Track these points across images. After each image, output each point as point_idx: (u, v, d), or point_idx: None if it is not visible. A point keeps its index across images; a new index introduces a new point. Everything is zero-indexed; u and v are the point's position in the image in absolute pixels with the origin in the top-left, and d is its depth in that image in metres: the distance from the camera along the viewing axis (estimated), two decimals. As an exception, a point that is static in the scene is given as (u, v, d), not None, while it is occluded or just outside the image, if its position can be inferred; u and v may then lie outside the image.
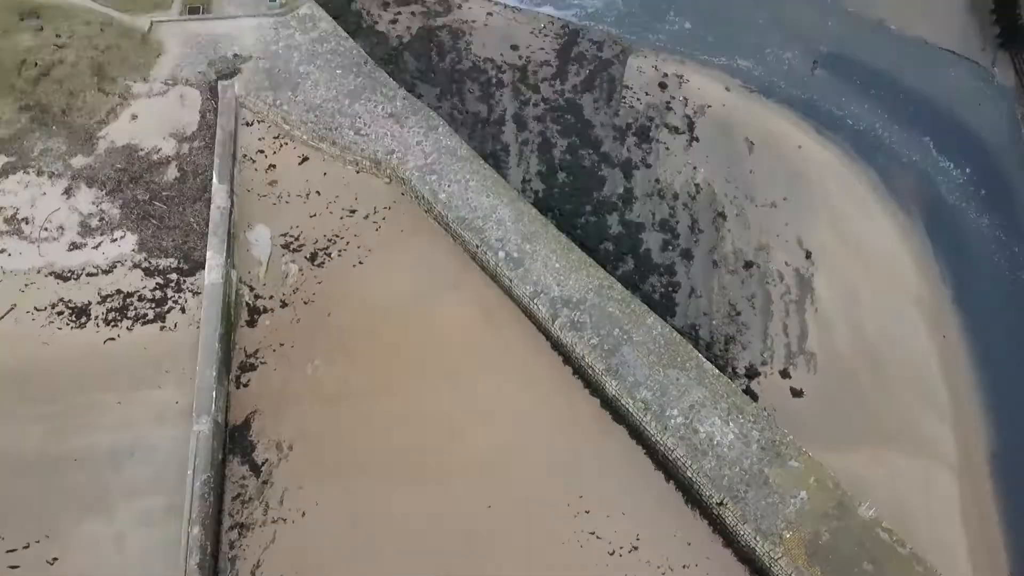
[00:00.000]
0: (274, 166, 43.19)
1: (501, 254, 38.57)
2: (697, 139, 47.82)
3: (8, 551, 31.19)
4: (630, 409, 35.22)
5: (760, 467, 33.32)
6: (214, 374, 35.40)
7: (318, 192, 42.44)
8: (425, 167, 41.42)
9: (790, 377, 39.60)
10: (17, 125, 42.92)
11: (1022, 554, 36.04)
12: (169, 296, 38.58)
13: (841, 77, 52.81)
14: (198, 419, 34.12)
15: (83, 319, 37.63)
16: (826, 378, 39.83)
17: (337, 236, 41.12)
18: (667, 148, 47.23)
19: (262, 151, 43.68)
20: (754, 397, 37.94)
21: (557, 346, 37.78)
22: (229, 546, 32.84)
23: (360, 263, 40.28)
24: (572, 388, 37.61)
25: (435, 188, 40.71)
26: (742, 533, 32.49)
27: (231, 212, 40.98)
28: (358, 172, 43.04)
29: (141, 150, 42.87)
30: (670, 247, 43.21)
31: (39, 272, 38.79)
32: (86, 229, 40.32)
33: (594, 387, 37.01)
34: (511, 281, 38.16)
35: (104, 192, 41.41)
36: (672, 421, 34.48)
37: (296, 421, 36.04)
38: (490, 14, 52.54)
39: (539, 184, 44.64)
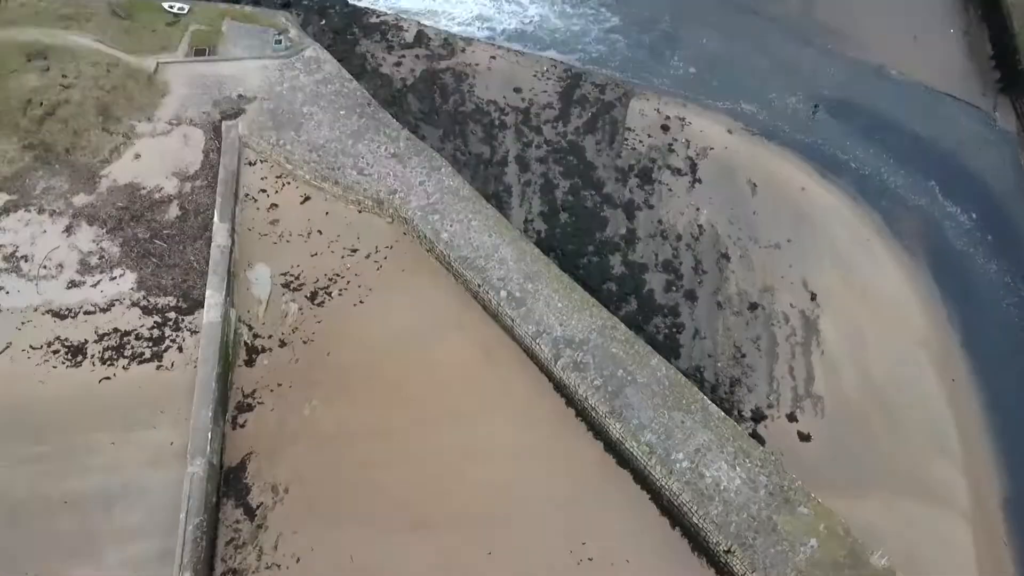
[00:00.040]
0: (276, 205, 43.08)
1: (503, 293, 38.18)
2: (700, 181, 47.80)
3: (-7, 597, 30.31)
4: (634, 453, 34.43)
5: (768, 513, 32.40)
6: (210, 414, 34.73)
7: (320, 231, 42.24)
8: (428, 207, 41.29)
9: (797, 421, 38.86)
10: (20, 164, 42.94)
11: (1040, 605, 35.00)
12: (167, 335, 38.11)
13: (843, 121, 53.08)
14: (192, 461, 33.35)
15: (79, 358, 37.10)
16: (834, 422, 39.09)
17: (338, 275, 40.79)
18: (670, 189, 47.18)
19: (264, 190, 43.62)
20: (761, 441, 37.16)
21: (560, 387, 37.14)
22: (221, 593, 31.88)
23: (361, 302, 39.88)
24: (575, 431, 36.87)
25: (437, 227, 40.51)
26: (751, 582, 31.49)
27: (232, 251, 40.71)
28: (360, 212, 42.91)
29: (143, 189, 42.82)
30: (674, 288, 42.84)
31: (36, 310, 38.38)
32: (85, 267, 40.02)
33: (597, 430, 36.27)
34: (513, 321, 37.69)
35: (105, 230, 41.23)
36: (677, 465, 33.66)
37: (292, 463, 35.24)
38: (493, 57, 53.03)
39: (541, 224, 44.48)
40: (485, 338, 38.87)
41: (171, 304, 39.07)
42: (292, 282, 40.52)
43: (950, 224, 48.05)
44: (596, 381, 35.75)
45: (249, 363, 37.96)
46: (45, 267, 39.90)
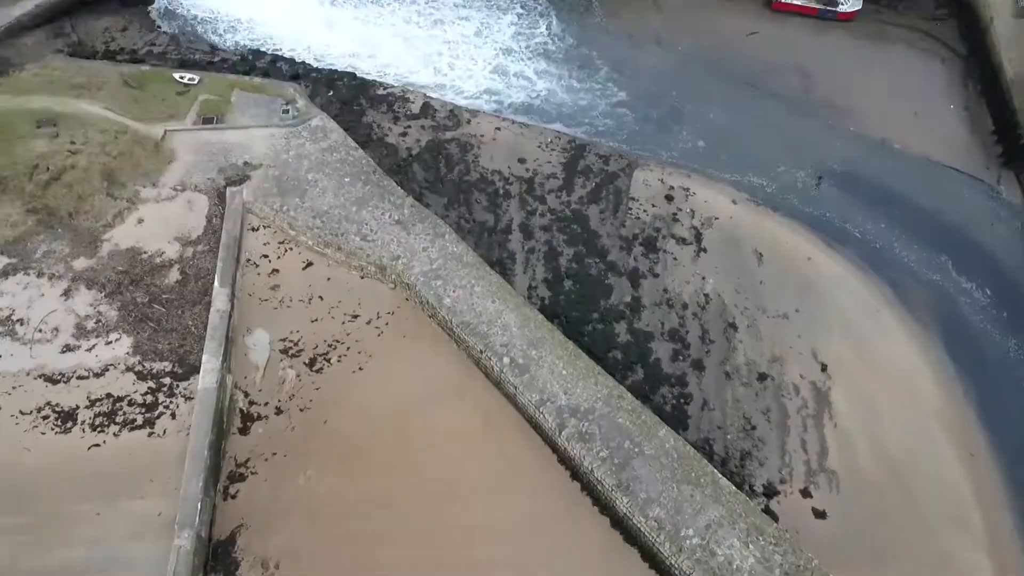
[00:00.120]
0: (277, 270, 42.69)
1: (506, 360, 37.30)
2: (705, 250, 47.43)
3: None
4: (642, 528, 32.90)
5: (785, 594, 30.70)
6: (200, 484, 33.48)
7: (321, 297, 41.69)
8: (430, 272, 40.83)
9: (811, 497, 37.31)
10: (23, 227, 42.83)
11: None
12: (160, 401, 37.14)
13: (848, 193, 53.02)
14: (180, 533, 31.97)
15: (69, 424, 36.10)
16: (850, 498, 37.51)
17: (338, 341, 40.02)
18: (675, 258, 46.75)
19: (266, 256, 43.31)
20: (774, 517, 35.53)
21: (564, 459, 35.84)
22: (203, 677, 29.97)
23: (360, 369, 38.98)
24: (580, 505, 35.40)
25: (440, 293, 39.95)
26: (768, 670, 29.55)
27: (231, 316, 40.12)
28: (363, 277, 42.45)
29: (144, 253, 42.56)
30: (680, 357, 41.89)
31: (28, 374, 37.58)
32: (81, 331, 39.38)
33: (603, 504, 34.80)
34: (516, 388, 36.69)
35: (103, 294, 40.77)
36: (688, 542, 32.09)
37: (285, 537, 33.73)
38: (498, 128, 53.52)
39: (545, 291, 43.90)
40: (487, 406, 37.80)
41: (166, 369, 38.24)
42: (291, 348, 39.74)
43: (966, 300, 47.14)
44: (602, 452, 34.51)
45: (243, 431, 36.86)
46: (40, 331, 39.28)
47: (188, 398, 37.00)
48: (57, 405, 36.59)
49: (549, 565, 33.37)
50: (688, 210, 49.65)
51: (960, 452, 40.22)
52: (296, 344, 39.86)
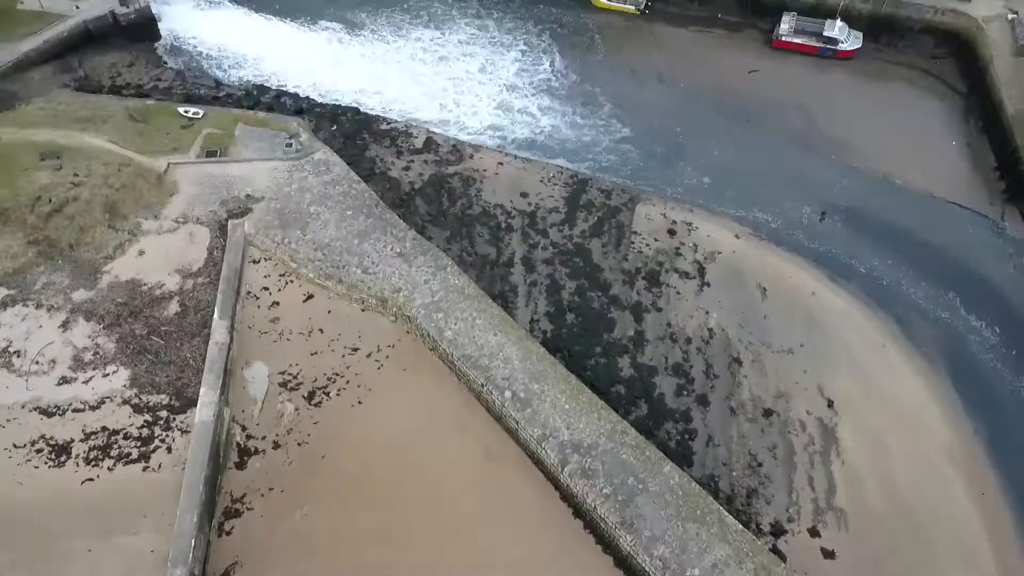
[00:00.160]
0: (278, 303, 42.41)
1: (507, 394, 36.77)
2: (708, 284, 47.11)
3: None
4: (647, 568, 32.03)
5: (794, 637, 29.75)
6: (195, 520, 32.73)
7: (321, 330, 41.33)
8: (432, 305, 40.52)
9: (820, 536, 36.42)
10: (23, 259, 42.71)
11: None
12: (156, 434, 36.56)
13: (851, 228, 52.85)
14: (173, 570, 31.19)
15: (63, 457, 35.52)
16: (859, 537, 36.60)
17: (337, 375, 39.55)
18: (678, 292, 46.43)
19: (267, 288, 43.06)
20: (782, 557, 34.63)
21: (567, 495, 35.08)
22: None
23: (359, 402, 38.44)
24: (582, 543, 34.54)
25: (441, 326, 39.57)
26: None
27: (230, 348, 39.73)
28: (363, 310, 42.12)
29: (144, 285, 42.33)
30: (685, 392, 41.31)
31: (23, 407, 37.09)
32: (78, 363, 38.96)
33: (606, 542, 33.95)
34: (517, 423, 36.09)
35: (102, 326, 40.44)
36: (693, 582, 31.23)
37: (281, 575, 32.88)
38: (501, 163, 53.65)
39: (547, 324, 43.50)
40: (488, 441, 37.18)
41: (163, 402, 37.75)
42: (290, 381, 39.28)
43: (975, 339, 46.52)
44: (605, 489, 33.81)
45: (240, 465, 36.23)
46: (37, 363, 38.89)
47: (184, 431, 36.43)
48: (51, 438, 36.06)
49: (551, 606, 32.51)
50: (691, 244, 49.44)
51: (971, 490, 39.39)
52: (295, 377, 39.40)
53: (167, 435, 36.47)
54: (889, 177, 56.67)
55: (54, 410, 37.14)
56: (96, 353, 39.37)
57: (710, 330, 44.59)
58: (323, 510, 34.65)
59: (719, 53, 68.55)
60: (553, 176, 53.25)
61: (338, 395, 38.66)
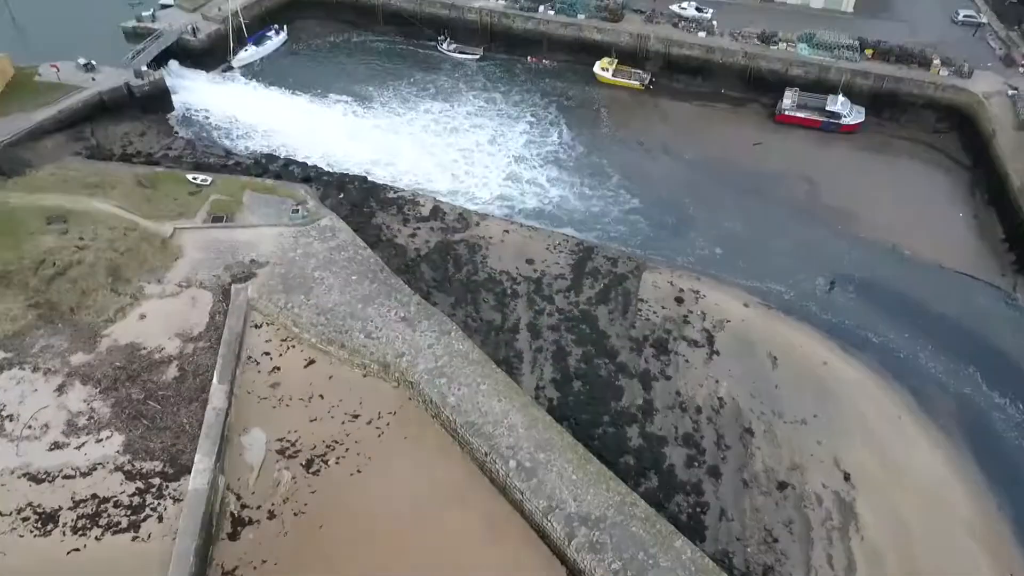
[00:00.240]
0: (279, 368, 41.58)
1: (512, 463, 35.47)
2: (718, 352, 46.21)
3: None
4: (659, 649, 30.19)
5: None
6: (183, 593, 31.16)
7: (321, 396, 40.36)
8: (435, 370, 39.62)
9: (841, 616, 34.51)
10: (23, 322, 42.22)
11: None
12: (148, 502, 35.16)
13: (861, 298, 52.23)
14: (157, 647, 29.48)
15: (49, 526, 34.05)
16: (882, 619, 34.67)
17: (337, 442, 38.35)
18: (687, 361, 45.48)
19: (268, 353, 42.31)
20: (802, 639, 32.71)
21: (574, 571, 33.29)
22: None
23: (359, 471, 37.12)
24: (591, 623, 32.72)
25: (444, 392, 38.58)
26: None
27: (227, 414, 38.69)
28: (365, 376, 41.24)
29: (144, 349, 41.64)
30: (696, 463, 39.89)
31: (12, 473, 35.84)
32: (72, 428, 37.91)
33: (616, 622, 32.11)
34: (522, 494, 34.66)
35: (98, 390, 39.57)
36: (709, 665, 29.32)
37: (270, 655, 31.13)
38: (507, 231, 53.63)
39: (553, 392, 42.44)
40: (491, 513, 35.62)
41: (157, 469, 36.49)
42: (288, 448, 38.07)
43: (999, 416, 45.09)
44: (615, 564, 32.13)
45: (233, 536, 34.68)
46: (30, 427, 37.86)
47: (177, 500, 35.05)
48: (39, 506, 34.68)
49: None
50: (699, 312, 48.78)
51: (997, 569, 37.43)
52: (293, 444, 38.21)
53: (159, 503, 35.08)
54: (897, 248, 56.38)
55: (43, 476, 35.89)
56: (91, 418, 38.39)
57: (720, 399, 43.46)
58: (318, 584, 32.98)
59: (723, 127, 69.56)
60: (559, 244, 53.10)
61: (337, 463, 37.40)
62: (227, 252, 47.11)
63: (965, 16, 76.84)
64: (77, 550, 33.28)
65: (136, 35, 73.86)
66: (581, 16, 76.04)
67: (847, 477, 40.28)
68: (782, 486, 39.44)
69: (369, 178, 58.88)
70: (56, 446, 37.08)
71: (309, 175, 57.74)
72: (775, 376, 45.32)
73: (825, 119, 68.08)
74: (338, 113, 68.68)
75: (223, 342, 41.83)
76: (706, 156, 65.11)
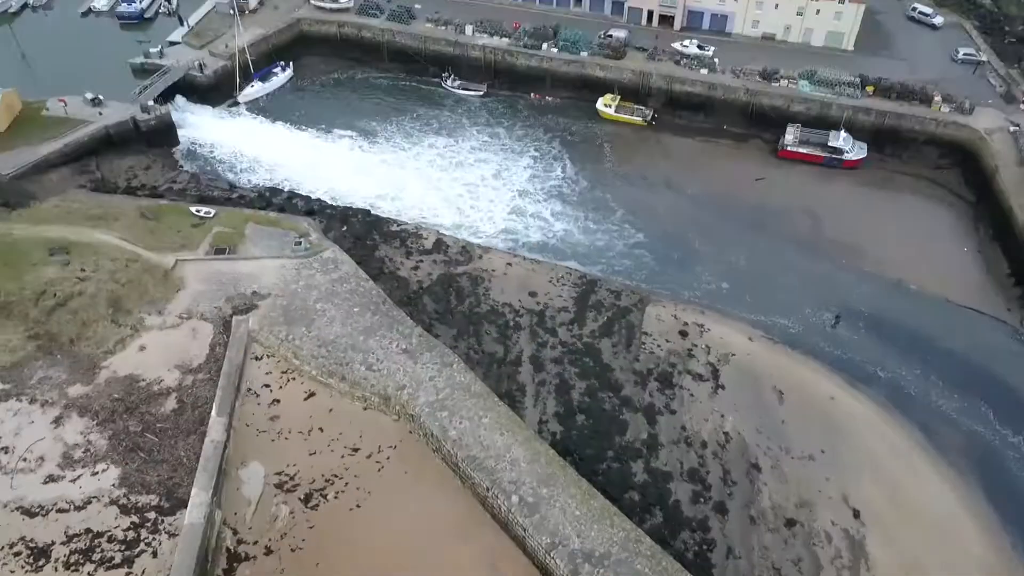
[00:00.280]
0: (278, 401, 41.07)
1: (514, 498, 34.75)
2: (723, 387, 45.65)
3: None
4: None
5: None
6: (176, 631, 30.34)
7: (321, 429, 39.78)
8: (436, 403, 39.09)
9: (853, 659, 33.49)
10: (21, 353, 41.89)
11: None
12: (142, 537, 34.43)
13: (868, 333, 51.85)
14: None
15: (41, 561, 33.33)
16: (897, 662, 33.64)
17: (336, 476, 37.69)
18: (691, 394, 44.93)
19: (268, 385, 41.84)
20: None
21: (577, 610, 32.50)
22: None
23: (358, 506, 36.39)
24: (595, 665, 31.76)
25: (445, 425, 37.99)
26: None
27: (225, 447, 38.09)
28: (365, 409, 40.69)
29: (143, 381, 41.21)
30: (702, 499, 39.12)
31: (5, 507, 35.20)
32: (67, 460, 37.34)
33: (621, 664, 31.17)
34: (525, 530, 33.89)
35: (95, 422, 39.06)
36: None
37: None
38: (509, 264, 53.46)
39: (557, 426, 41.82)
40: (493, 550, 34.83)
41: (152, 503, 35.83)
42: (286, 482, 37.42)
43: (1013, 454, 44.41)
44: (619, 602, 31.28)
45: (229, 572, 33.94)
46: (25, 459, 37.31)
47: (172, 534, 34.33)
48: (31, 541, 34.00)
49: None
50: (703, 346, 48.32)
51: (1015, 612, 36.47)
52: (292, 478, 37.57)
53: (153, 538, 34.40)
54: (903, 282, 56.07)
55: (37, 510, 35.27)
56: (87, 450, 37.85)
57: (726, 434, 42.81)
58: (315, 623, 32.12)
59: (726, 162, 69.71)
60: (562, 276, 52.88)
61: (336, 498, 36.72)
62: (229, 284, 46.90)
63: (965, 54, 77.37)
64: (69, 586, 32.58)
65: (144, 71, 74.60)
66: (584, 54, 76.73)
67: (856, 514, 39.51)
68: (790, 523, 38.65)
69: (373, 211, 58.89)
70: (51, 479, 36.51)
71: (313, 208, 57.81)
72: (781, 411, 44.72)
73: (827, 155, 68.21)
74: (344, 148, 69.06)
75: (223, 374, 41.41)
76: (709, 191, 65.15)
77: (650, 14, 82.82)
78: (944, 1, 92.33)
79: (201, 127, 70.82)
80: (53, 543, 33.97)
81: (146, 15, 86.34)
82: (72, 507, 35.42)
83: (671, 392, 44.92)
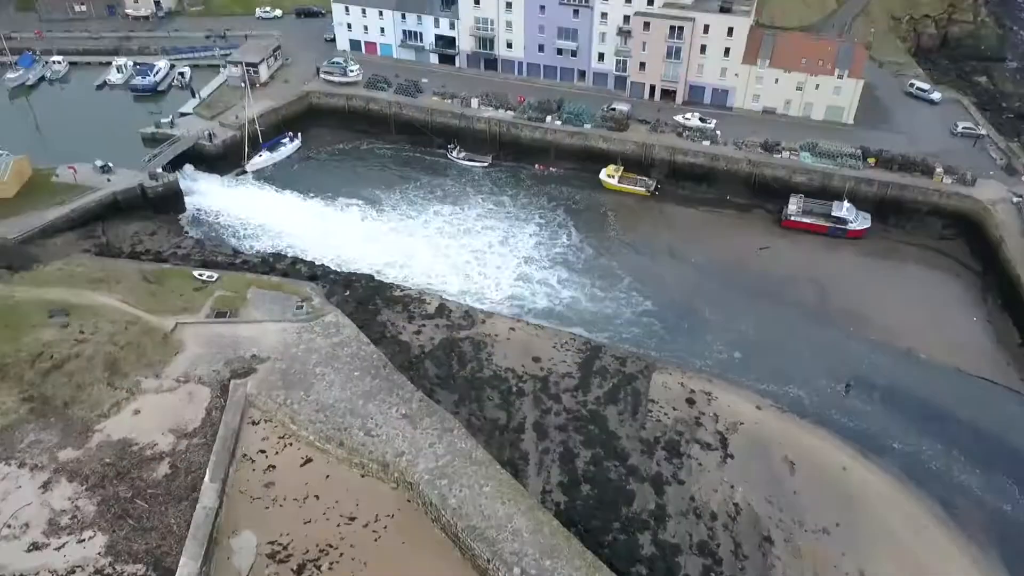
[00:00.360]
0: (274, 467, 39.85)
1: (516, 570, 33.20)
2: (732, 456, 44.35)
3: None
4: None
5: None
6: None
7: (317, 496, 38.44)
8: (436, 470, 37.85)
9: None
10: (13, 416, 40.99)
11: None
12: (126, 610, 32.98)
13: (879, 402, 50.88)
14: None
15: (20, 634, 31.85)
16: None
17: (331, 546, 36.16)
18: (700, 464, 43.58)
19: (264, 451, 40.68)
20: None
21: None
22: None
23: (353, 579, 34.88)
24: None
25: (445, 493, 36.68)
26: None
27: (217, 514, 36.76)
28: (363, 476, 39.42)
29: (135, 445, 40.14)
30: (712, 574, 37.41)
31: (-15, 577, 33.90)
32: (53, 527, 36.00)
33: None
34: (527, 604, 32.33)
35: (84, 487, 37.86)
36: None
37: None
38: (512, 328, 52.86)
39: (561, 495, 40.42)
40: (494, 625, 33.14)
41: (139, 573, 34.33)
42: (279, 552, 35.89)
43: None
44: None
45: (215, 648, 32.23)
46: (10, 526, 35.99)
47: (158, 607, 32.82)
48: (11, 612, 32.52)
49: None
50: (711, 414, 47.19)
51: None
52: (285, 548, 36.06)
53: (138, 611, 32.79)
54: (913, 351, 55.24)
55: (19, 580, 33.79)
56: (74, 517, 36.58)
57: (736, 505, 41.32)
58: None
59: (730, 231, 69.81)
60: (565, 342, 52.19)
61: (331, 569, 35.19)
62: (228, 347, 46.28)
63: (964, 128, 78.33)
64: (46, 662, 30.90)
65: (155, 140, 75.95)
66: (588, 126, 77.95)
67: (875, 592, 37.73)
68: (806, 601, 36.87)
69: (378, 277, 58.72)
70: (35, 547, 35.12)
71: (316, 273, 57.71)
72: (793, 481, 43.29)
73: (831, 224, 68.32)
74: (353, 216, 69.54)
75: (218, 438, 40.38)
76: (715, 260, 65.06)
77: (652, 88, 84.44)
78: (941, 78, 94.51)
79: (208, 195, 71.53)
80: (33, 615, 32.49)
81: (159, 88, 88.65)
82: (55, 577, 34.03)
83: (679, 461, 43.60)
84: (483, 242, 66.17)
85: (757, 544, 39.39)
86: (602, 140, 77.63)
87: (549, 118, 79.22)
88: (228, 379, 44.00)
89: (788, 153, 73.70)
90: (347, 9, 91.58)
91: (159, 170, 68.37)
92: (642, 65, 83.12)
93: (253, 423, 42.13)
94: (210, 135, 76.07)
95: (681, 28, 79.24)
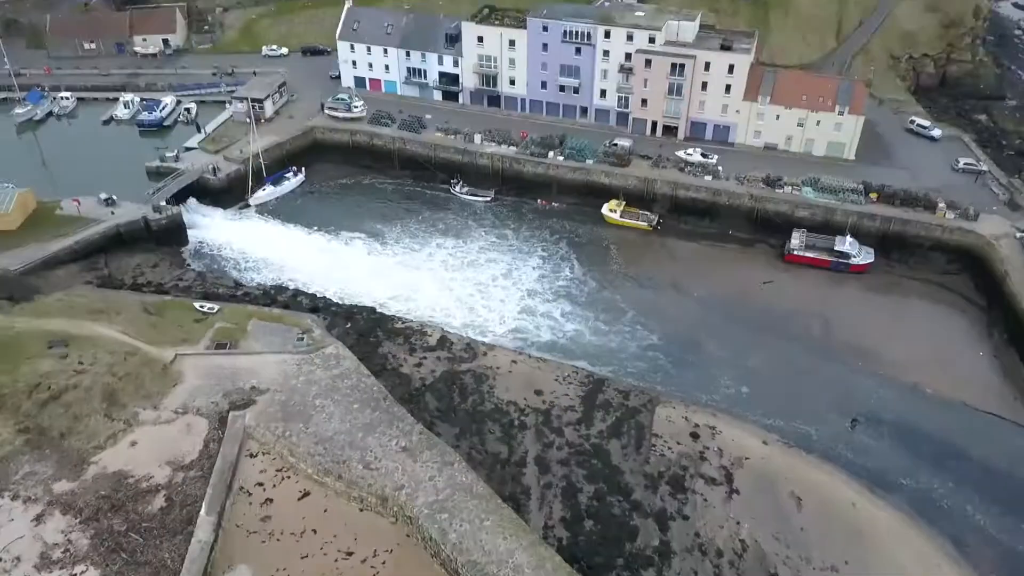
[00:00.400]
0: (271, 500, 39.14)
1: (518, 607, 32.41)
2: (737, 491, 43.61)
3: None
4: None
5: None
6: None
7: (314, 530, 37.66)
8: (436, 504, 37.14)
9: None
10: (8, 447, 40.42)
11: None
12: (113, 650, 32.10)
13: (887, 437, 50.37)
14: None
15: (6, 673, 30.98)
16: None
17: (328, 582, 35.44)
18: (705, 499, 42.84)
19: (261, 484, 40.00)
20: None
21: None
22: None
23: (350, 615, 34.03)
24: None
25: (445, 528, 35.93)
26: None
27: (212, 548, 35.98)
28: (362, 510, 38.68)
29: (131, 477, 39.50)
30: (719, 612, 36.55)
31: (-26, 611, 33.13)
32: (45, 561, 35.22)
33: None
34: (529, 643, 31.43)
35: (78, 520, 37.13)
36: None
37: None
38: (515, 361, 52.48)
39: (563, 531, 39.64)
40: (494, 665, 32.19)
41: (130, 609, 33.59)
42: (275, 588, 35.12)
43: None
44: None
45: None
46: (1, 559, 35.23)
47: (149, 644, 31.96)
48: (-2, 650, 31.67)
49: None
50: (716, 448, 46.53)
51: None
52: (281, 584, 35.29)
53: (129, 648, 31.92)
54: (919, 386, 54.70)
55: (7, 617, 32.99)
56: (66, 550, 35.80)
57: (742, 542, 40.50)
58: None
59: (733, 266, 69.68)
60: (568, 375, 51.74)
61: (327, 606, 34.31)
62: (228, 378, 45.86)
63: (965, 164, 78.56)
64: None
65: (159, 174, 76.44)
66: (590, 161, 78.36)
67: (887, 632, 36.71)
68: (816, 641, 35.87)
69: (380, 310, 58.51)
70: (25, 583, 34.44)
71: (317, 305, 57.55)
72: (800, 518, 42.49)
73: (834, 259, 68.18)
74: (359, 250, 69.61)
75: (215, 471, 39.76)
76: (718, 294, 64.84)
77: (654, 124, 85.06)
78: (941, 116, 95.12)
79: (211, 228, 71.75)
80: (20, 652, 31.63)
81: (165, 123, 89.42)
82: (44, 613, 33.24)
83: (683, 497, 42.86)
84: (487, 275, 66.14)
85: (764, 582, 38.54)
86: (604, 175, 77.93)
87: (551, 153, 79.63)
88: (227, 411, 43.49)
89: (790, 188, 73.84)
90: (352, 47, 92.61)
91: (163, 203, 68.63)
92: (644, 102, 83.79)
93: (251, 455, 41.51)
94: (214, 169, 76.53)
95: (683, 65, 79.97)
